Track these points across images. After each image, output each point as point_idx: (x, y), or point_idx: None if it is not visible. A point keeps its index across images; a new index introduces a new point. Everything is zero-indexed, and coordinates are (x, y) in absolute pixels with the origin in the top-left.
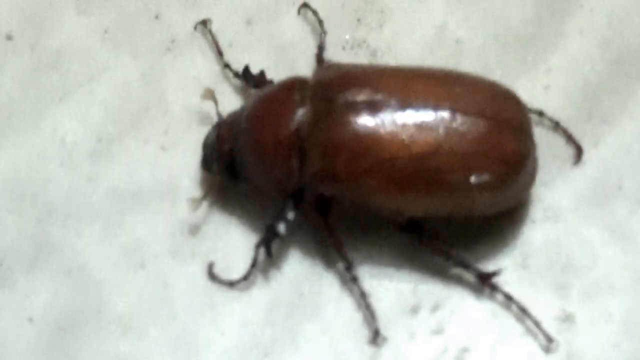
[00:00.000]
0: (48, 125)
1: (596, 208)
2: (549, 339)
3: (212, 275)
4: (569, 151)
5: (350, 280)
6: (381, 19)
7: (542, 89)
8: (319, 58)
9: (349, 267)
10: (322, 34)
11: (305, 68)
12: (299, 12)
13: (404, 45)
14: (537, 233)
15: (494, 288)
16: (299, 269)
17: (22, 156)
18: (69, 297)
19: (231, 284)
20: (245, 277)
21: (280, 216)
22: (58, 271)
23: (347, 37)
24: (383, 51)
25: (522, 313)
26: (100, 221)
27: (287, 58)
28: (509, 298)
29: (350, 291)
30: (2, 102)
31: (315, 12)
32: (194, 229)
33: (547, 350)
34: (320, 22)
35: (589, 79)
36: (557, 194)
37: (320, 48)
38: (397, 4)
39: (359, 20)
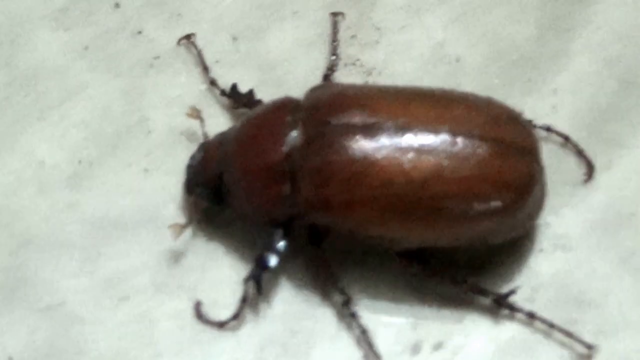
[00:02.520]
0: (24, 148)
1: (607, 236)
2: (588, 346)
3: (199, 315)
4: (577, 175)
5: (348, 316)
6: (377, 36)
7: (549, 110)
8: (327, 79)
9: (347, 301)
10: (334, 55)
11: (293, 87)
12: (334, 18)
13: (401, 64)
14: (545, 264)
15: (513, 308)
16: (290, 304)
17: None
18: (48, 334)
19: (221, 325)
20: (235, 316)
21: (270, 247)
22: (36, 307)
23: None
24: (378, 69)
25: (550, 328)
26: (79, 252)
27: (275, 76)
28: (531, 316)
29: (349, 328)
30: None
31: (335, 26)
32: (180, 261)
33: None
34: (335, 39)
35: (598, 99)
36: (566, 222)
37: (331, 69)
38: (393, 20)
39: (353, 36)
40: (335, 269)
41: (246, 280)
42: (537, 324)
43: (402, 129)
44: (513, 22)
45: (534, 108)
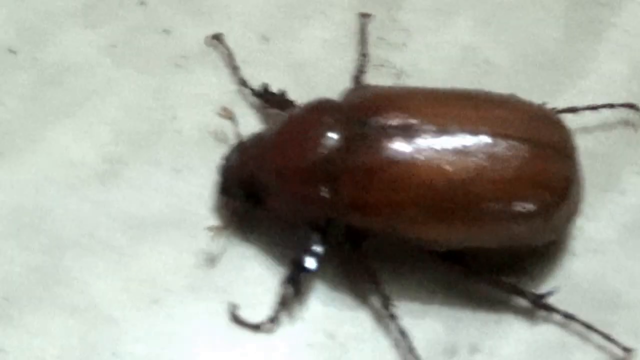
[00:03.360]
0: (52, 146)
1: None
2: (625, 349)
3: (236, 319)
4: (610, 178)
5: (387, 318)
6: (404, 38)
7: (576, 113)
8: (357, 80)
9: (387, 303)
10: (363, 56)
11: (325, 88)
12: (363, 19)
13: (429, 66)
14: (578, 267)
15: (551, 309)
16: (326, 306)
17: (25, 179)
18: (81, 336)
19: (256, 327)
20: (273, 319)
21: (309, 250)
22: (69, 308)
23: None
24: (407, 72)
25: (588, 329)
26: (110, 252)
27: (306, 77)
28: (569, 317)
29: (385, 331)
30: (3, 119)
31: (364, 27)
32: (212, 261)
33: None
34: (364, 40)
35: (626, 102)
36: (599, 225)
37: (360, 70)
38: (421, 21)
39: (380, 38)
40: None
41: (284, 283)
42: (574, 326)
43: (442, 130)
44: (541, 25)
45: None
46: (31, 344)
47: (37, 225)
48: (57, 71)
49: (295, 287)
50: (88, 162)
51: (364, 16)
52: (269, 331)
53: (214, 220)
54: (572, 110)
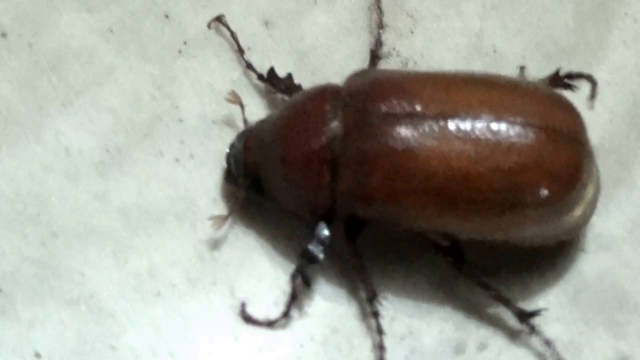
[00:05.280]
0: (49, 134)
1: None
2: None
3: (246, 317)
4: (620, 172)
5: (371, 314)
6: (411, 25)
7: (587, 103)
8: (374, 55)
9: (372, 298)
10: (380, 28)
11: (329, 74)
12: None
13: (437, 54)
14: (588, 264)
15: (533, 330)
16: (332, 301)
17: (22, 169)
18: (78, 329)
19: (270, 324)
20: (285, 314)
21: (315, 239)
22: (65, 300)
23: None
24: (415, 59)
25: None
26: (110, 243)
27: (309, 63)
28: (548, 343)
29: (368, 326)
30: None
31: (380, 12)
32: (214, 254)
33: None
34: (380, 11)
35: (636, 92)
36: (609, 221)
37: (378, 43)
38: (427, 8)
39: (386, 25)
40: (372, 267)
41: (294, 276)
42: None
43: (446, 117)
44: (550, 13)
45: (572, 100)
46: (27, 337)
47: (34, 216)
48: (54, 57)
49: (306, 279)
50: (87, 152)
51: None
52: (282, 327)
53: (216, 211)
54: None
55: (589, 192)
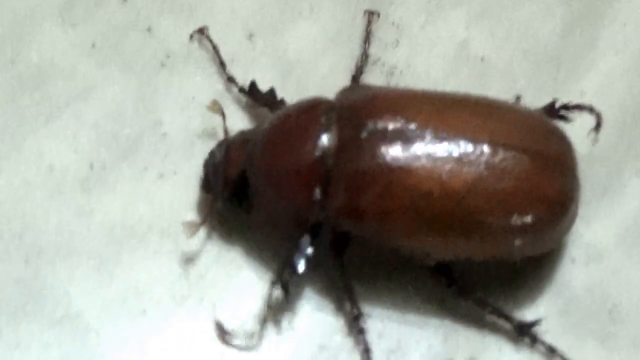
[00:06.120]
0: (32, 151)
1: None
2: None
3: (224, 338)
4: (609, 181)
5: (356, 332)
6: (397, 34)
7: (576, 113)
8: (355, 80)
9: (358, 316)
10: (365, 56)
11: (314, 85)
12: (370, 18)
13: (424, 64)
14: (578, 275)
15: (535, 339)
16: (318, 317)
17: (4, 186)
18: (63, 349)
19: (244, 348)
20: (261, 327)
21: (298, 252)
22: (49, 320)
23: (359, 53)
24: (401, 69)
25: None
26: (94, 262)
27: (294, 75)
28: (552, 350)
29: (356, 343)
30: None
31: (369, 25)
32: (201, 270)
33: None
34: (368, 36)
35: (627, 100)
36: (599, 231)
37: (359, 69)
38: (413, 17)
39: (372, 35)
40: (360, 281)
41: (273, 284)
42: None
43: (441, 137)
44: (538, 20)
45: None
46: (10, 357)
47: (17, 234)
48: (36, 72)
49: (285, 290)
50: (70, 169)
51: (370, 14)
52: (256, 348)
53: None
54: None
55: (575, 211)
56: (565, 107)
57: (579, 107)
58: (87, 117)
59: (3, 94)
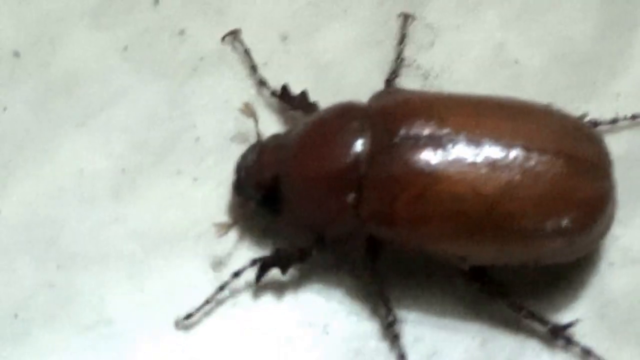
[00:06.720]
0: (65, 156)
1: None
2: None
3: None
4: None
5: (392, 337)
6: (431, 36)
7: (611, 115)
8: (389, 84)
9: (393, 322)
10: (399, 57)
11: (348, 90)
12: (404, 21)
13: (459, 66)
14: (615, 278)
15: (570, 341)
16: (354, 322)
17: (37, 192)
18: (95, 355)
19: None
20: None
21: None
22: (82, 325)
23: (393, 56)
24: (436, 72)
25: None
26: (127, 267)
27: (327, 78)
28: (587, 352)
29: (391, 348)
30: (12, 128)
31: (404, 28)
32: (236, 276)
33: None
34: (402, 39)
35: None
36: (636, 234)
37: (393, 72)
38: (448, 19)
39: (407, 37)
40: (395, 286)
41: (252, 263)
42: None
43: (475, 142)
44: (573, 22)
45: (596, 113)
46: None
47: (50, 240)
48: (68, 76)
49: (259, 275)
50: (102, 174)
51: (405, 17)
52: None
53: (234, 230)
54: (612, 122)
55: (612, 214)
56: (595, 123)
57: (614, 122)
58: (119, 122)
59: (35, 99)
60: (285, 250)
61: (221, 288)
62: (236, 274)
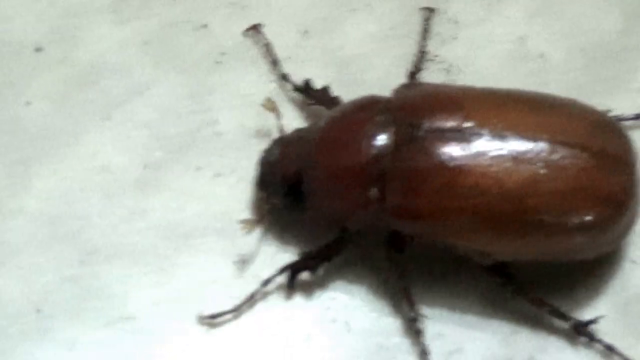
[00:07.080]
0: (87, 150)
1: None
2: None
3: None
4: None
5: (414, 334)
6: (454, 30)
7: (636, 110)
8: (413, 77)
9: (416, 318)
10: (423, 53)
11: (370, 85)
12: (427, 14)
13: (482, 60)
14: (638, 276)
15: (592, 338)
16: (377, 318)
17: (59, 186)
18: (118, 350)
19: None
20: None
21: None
22: (104, 320)
23: (416, 49)
24: (459, 66)
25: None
26: (149, 262)
27: (349, 71)
28: (609, 349)
29: (414, 344)
30: (34, 123)
31: (427, 22)
32: (256, 270)
33: None
34: (425, 32)
35: None
36: None
37: (416, 66)
38: (470, 12)
39: (429, 31)
40: (418, 282)
41: (282, 271)
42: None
43: (499, 135)
44: (597, 15)
45: (621, 107)
46: (66, 357)
47: (72, 235)
48: (89, 71)
49: (292, 280)
50: (125, 168)
51: (428, 10)
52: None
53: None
54: (636, 117)
55: (636, 210)
56: (619, 118)
57: (638, 117)
58: (140, 116)
59: (56, 93)
60: (312, 253)
61: (252, 297)
62: (266, 282)
